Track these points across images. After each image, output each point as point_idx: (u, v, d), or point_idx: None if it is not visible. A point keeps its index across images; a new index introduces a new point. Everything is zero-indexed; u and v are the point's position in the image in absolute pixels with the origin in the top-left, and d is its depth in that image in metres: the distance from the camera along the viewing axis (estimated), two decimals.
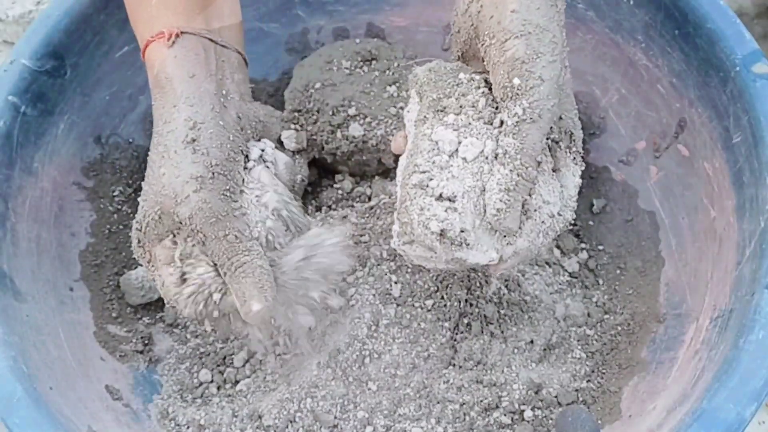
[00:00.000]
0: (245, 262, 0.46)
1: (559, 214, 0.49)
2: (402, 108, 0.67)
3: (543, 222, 0.48)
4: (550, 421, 0.57)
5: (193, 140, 0.47)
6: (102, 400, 0.56)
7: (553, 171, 0.49)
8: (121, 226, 0.66)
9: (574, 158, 0.50)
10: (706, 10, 0.59)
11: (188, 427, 0.58)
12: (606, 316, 0.64)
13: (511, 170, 0.45)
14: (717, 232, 0.58)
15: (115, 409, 0.56)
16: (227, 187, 0.47)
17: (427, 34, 0.74)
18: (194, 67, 0.49)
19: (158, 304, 0.65)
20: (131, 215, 0.67)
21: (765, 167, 0.54)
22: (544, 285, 0.64)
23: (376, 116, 0.66)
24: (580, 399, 0.59)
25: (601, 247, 0.68)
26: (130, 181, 0.68)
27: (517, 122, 0.45)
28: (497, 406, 0.58)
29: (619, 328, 0.63)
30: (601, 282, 0.66)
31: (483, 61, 0.49)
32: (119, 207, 0.67)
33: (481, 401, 0.57)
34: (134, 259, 0.65)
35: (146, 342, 0.63)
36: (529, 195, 0.46)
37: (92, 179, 0.66)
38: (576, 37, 0.69)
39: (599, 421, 0.57)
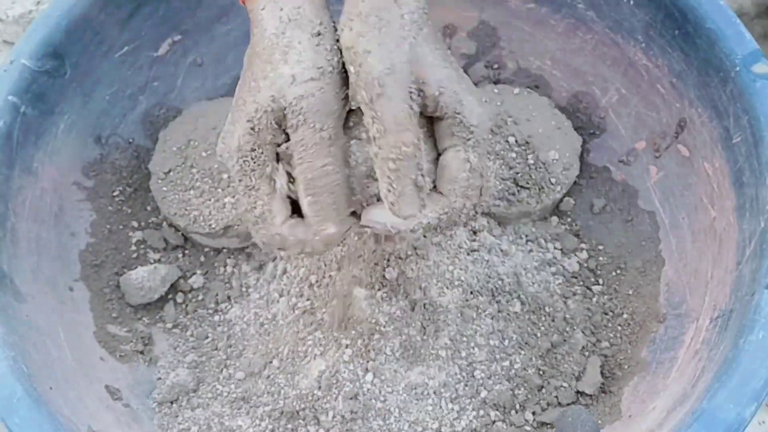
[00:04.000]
0: (329, 173, 0.44)
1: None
2: None
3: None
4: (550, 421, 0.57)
5: (319, 34, 0.45)
6: (102, 400, 0.56)
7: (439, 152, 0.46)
8: (121, 226, 0.66)
9: (466, 138, 0.46)
10: (706, 10, 0.59)
11: (188, 428, 0.58)
12: (606, 316, 0.64)
13: (386, 154, 0.43)
14: (717, 232, 0.58)
15: (115, 409, 0.56)
16: (340, 87, 0.45)
17: None
18: None
19: (158, 304, 0.65)
20: (131, 215, 0.67)
21: (765, 167, 0.54)
22: (544, 285, 0.64)
23: None
24: (580, 399, 0.59)
25: (601, 247, 0.68)
26: (130, 181, 0.68)
27: (366, 101, 0.43)
28: (497, 406, 0.58)
29: (619, 328, 0.63)
30: (601, 282, 0.66)
31: None
32: (119, 207, 0.67)
33: (482, 401, 0.57)
34: (134, 258, 0.66)
35: (146, 342, 0.63)
36: (419, 171, 0.43)
37: (92, 179, 0.66)
38: (576, 37, 0.69)
39: (599, 421, 0.57)
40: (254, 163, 0.46)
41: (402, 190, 0.43)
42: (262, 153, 0.46)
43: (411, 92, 0.43)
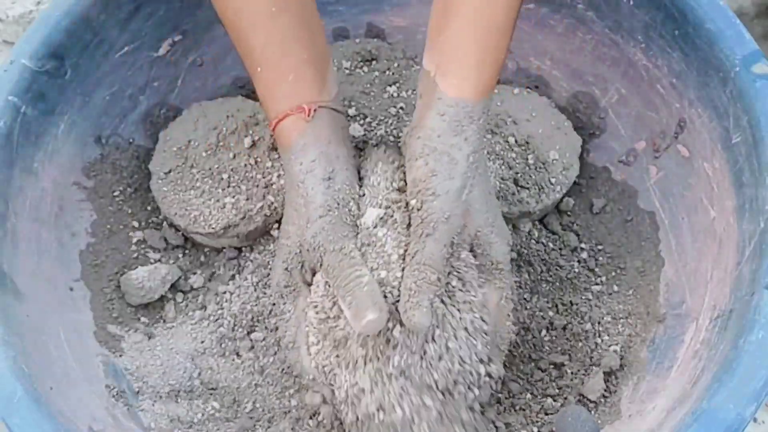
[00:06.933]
0: (359, 275, 0.50)
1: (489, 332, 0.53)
2: (402, 108, 0.67)
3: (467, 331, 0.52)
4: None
5: (329, 178, 0.54)
6: (102, 400, 0.56)
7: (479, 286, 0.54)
8: (121, 226, 0.66)
9: (498, 276, 0.54)
10: (706, 10, 0.59)
11: (189, 427, 0.58)
12: (606, 316, 0.64)
13: (415, 276, 0.50)
14: (717, 232, 0.58)
15: (115, 409, 0.56)
16: (348, 216, 0.54)
17: (427, 34, 0.74)
18: (330, 135, 0.56)
19: (158, 304, 0.65)
20: (131, 215, 0.67)
21: (765, 167, 0.54)
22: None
23: (376, 116, 0.66)
24: (581, 399, 0.59)
25: (600, 247, 0.68)
26: (130, 181, 0.68)
27: (417, 233, 0.51)
28: (497, 405, 0.58)
29: (619, 328, 0.63)
30: (601, 282, 0.66)
31: None
32: (119, 207, 0.67)
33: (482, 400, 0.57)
34: (134, 258, 0.66)
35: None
36: (442, 302, 0.51)
37: (92, 179, 0.66)
38: (576, 37, 0.69)
39: (599, 421, 0.57)
40: (289, 293, 0.56)
41: (418, 303, 0.49)
42: (293, 288, 0.56)
43: (453, 240, 0.52)
